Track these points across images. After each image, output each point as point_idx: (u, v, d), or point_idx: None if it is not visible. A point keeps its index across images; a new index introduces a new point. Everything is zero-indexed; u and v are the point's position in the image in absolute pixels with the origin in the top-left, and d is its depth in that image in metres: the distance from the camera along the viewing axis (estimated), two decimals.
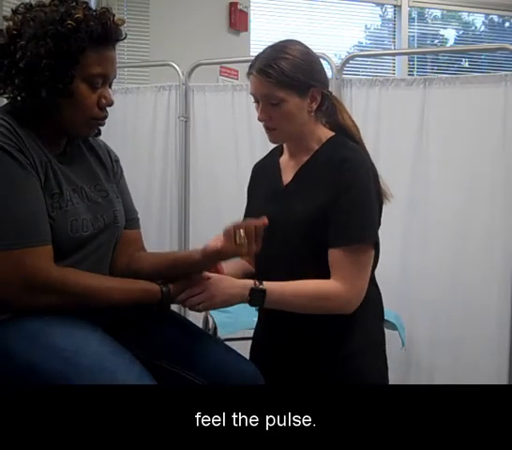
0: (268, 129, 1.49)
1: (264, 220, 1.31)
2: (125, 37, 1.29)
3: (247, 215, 1.62)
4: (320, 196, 1.45)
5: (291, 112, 1.44)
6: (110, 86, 1.31)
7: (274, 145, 1.62)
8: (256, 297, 1.37)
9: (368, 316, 1.51)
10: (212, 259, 1.35)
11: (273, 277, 1.42)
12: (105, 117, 1.30)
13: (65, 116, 1.25)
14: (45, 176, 1.22)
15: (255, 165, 1.69)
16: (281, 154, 1.60)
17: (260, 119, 1.48)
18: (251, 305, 1.38)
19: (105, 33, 1.23)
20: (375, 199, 1.46)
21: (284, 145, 1.59)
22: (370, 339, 1.54)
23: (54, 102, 1.22)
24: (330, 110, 1.54)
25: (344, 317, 1.44)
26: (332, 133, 1.53)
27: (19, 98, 1.22)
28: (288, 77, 1.41)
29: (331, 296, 1.43)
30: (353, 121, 1.56)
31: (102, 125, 1.32)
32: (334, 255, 1.43)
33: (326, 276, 1.45)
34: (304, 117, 1.47)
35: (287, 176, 1.54)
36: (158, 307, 1.30)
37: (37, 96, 1.21)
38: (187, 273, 1.36)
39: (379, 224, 1.48)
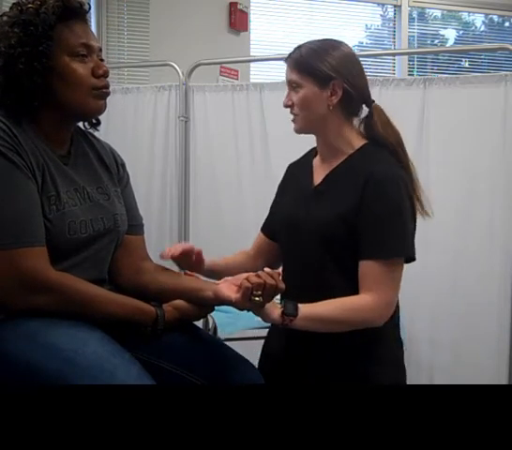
0: (293, 116, 1.52)
1: (280, 272, 1.29)
2: (90, 8, 1.31)
3: (272, 210, 1.68)
4: (344, 202, 1.45)
5: (306, 98, 1.46)
6: (101, 60, 1.30)
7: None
8: (289, 306, 1.36)
9: (388, 328, 1.49)
10: (222, 303, 1.34)
11: (289, 275, 1.41)
12: (106, 86, 1.29)
13: (65, 96, 1.25)
14: (42, 178, 1.21)
15: (290, 164, 1.70)
16: (316, 154, 1.61)
17: (284, 104, 1.51)
18: (286, 314, 1.35)
19: (67, 6, 1.25)
20: (409, 214, 1.46)
21: (318, 150, 1.59)
22: (391, 354, 1.54)
23: (46, 87, 1.23)
24: (368, 120, 1.52)
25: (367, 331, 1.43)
26: (365, 141, 1.52)
27: (7, 96, 1.22)
28: (305, 61, 1.45)
29: (362, 308, 1.42)
30: (396, 134, 1.52)
31: (107, 94, 1.30)
32: (364, 267, 1.43)
33: (342, 280, 1.46)
34: (322, 108, 1.47)
35: (318, 178, 1.55)
36: (151, 329, 1.30)
37: (21, 86, 1.21)
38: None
39: (413, 240, 1.48)
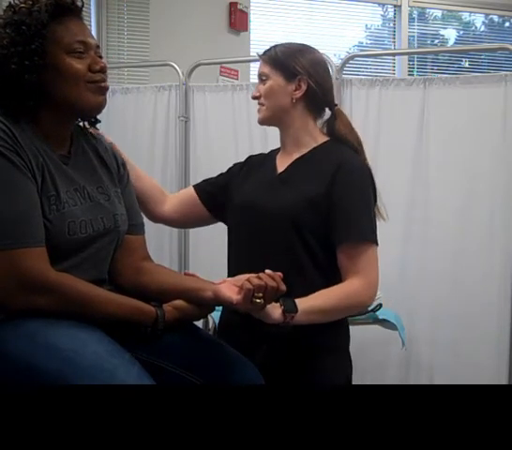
0: (258, 107, 1.63)
1: (281, 276, 1.27)
2: (83, 5, 1.30)
3: (220, 180, 1.75)
4: (312, 187, 1.52)
5: (272, 88, 1.58)
6: (100, 57, 1.29)
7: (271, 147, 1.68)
8: (288, 303, 1.37)
9: (345, 321, 1.59)
10: (223, 303, 1.34)
11: (256, 263, 1.40)
12: (103, 79, 1.28)
13: (63, 92, 1.25)
14: (42, 178, 1.21)
15: (252, 156, 1.77)
16: (278, 153, 1.68)
17: (252, 96, 1.64)
18: (287, 312, 1.36)
19: (59, 4, 1.25)
20: (373, 204, 1.55)
21: (280, 144, 1.66)
22: (338, 339, 1.59)
23: (43, 85, 1.23)
24: (331, 120, 1.62)
25: None
26: (327, 138, 1.62)
27: (4, 96, 1.22)
28: (278, 57, 1.57)
29: (354, 293, 1.47)
30: (356, 135, 1.62)
31: (105, 88, 1.29)
32: (344, 251, 1.49)
33: (310, 263, 1.50)
34: (285, 100, 1.57)
35: (281, 167, 1.63)
36: (151, 329, 1.29)
37: (16, 85, 1.21)
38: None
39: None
